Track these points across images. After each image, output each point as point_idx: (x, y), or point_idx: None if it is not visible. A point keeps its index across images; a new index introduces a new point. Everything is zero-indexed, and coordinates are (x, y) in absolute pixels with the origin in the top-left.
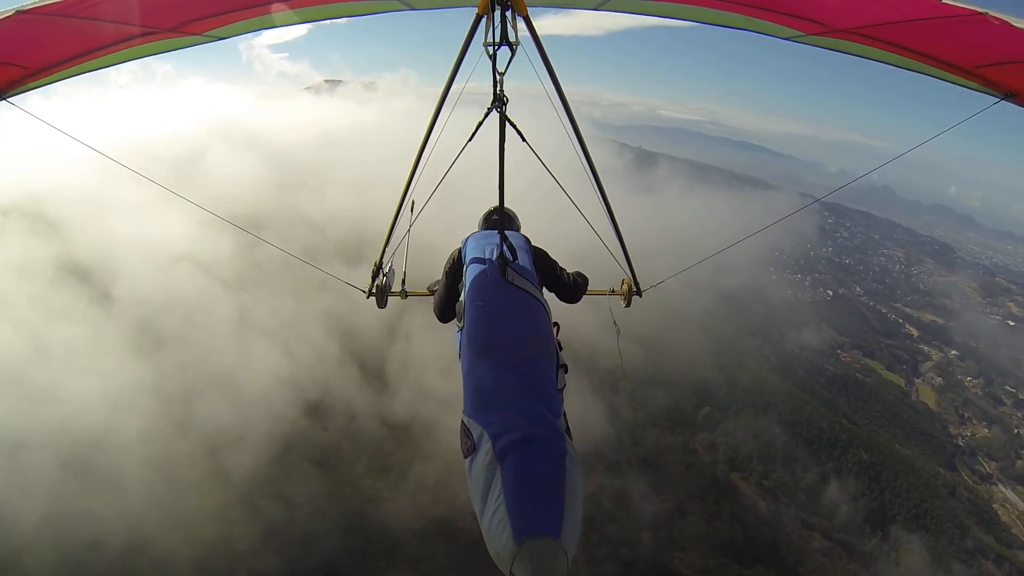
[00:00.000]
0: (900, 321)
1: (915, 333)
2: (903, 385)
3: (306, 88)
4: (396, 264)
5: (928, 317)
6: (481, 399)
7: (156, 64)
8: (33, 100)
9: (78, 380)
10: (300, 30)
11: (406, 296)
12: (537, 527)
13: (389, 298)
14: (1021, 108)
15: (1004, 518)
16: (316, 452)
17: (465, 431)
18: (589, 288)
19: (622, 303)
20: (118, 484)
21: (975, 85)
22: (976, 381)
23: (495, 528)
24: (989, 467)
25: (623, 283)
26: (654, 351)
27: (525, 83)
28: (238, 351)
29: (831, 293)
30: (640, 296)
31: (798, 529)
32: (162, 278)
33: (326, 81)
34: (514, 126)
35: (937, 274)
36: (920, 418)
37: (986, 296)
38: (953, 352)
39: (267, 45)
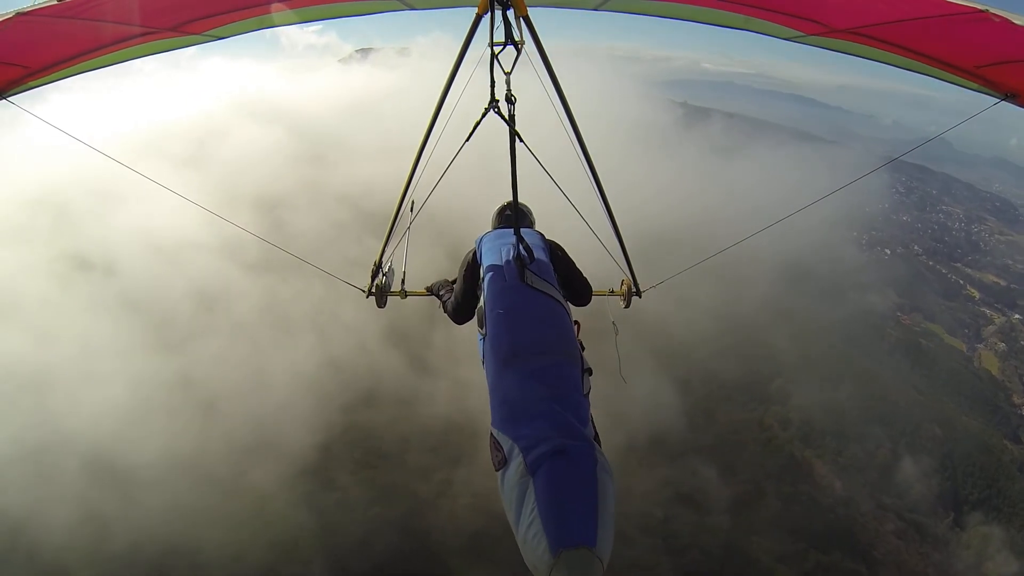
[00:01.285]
0: (961, 282)
1: (976, 295)
2: (964, 350)
3: (339, 60)
4: (396, 264)
5: (990, 278)
6: (510, 411)
7: None
8: (52, 90)
9: (102, 381)
10: None
11: (405, 296)
12: (572, 538)
13: (389, 298)
14: (1021, 108)
15: None
16: (364, 448)
17: (495, 444)
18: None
19: (621, 303)
20: (150, 488)
21: (975, 85)
22: None
23: (531, 540)
24: None
25: (622, 284)
26: (722, 320)
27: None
28: (270, 341)
29: (888, 252)
30: (639, 297)
31: (872, 510)
32: (182, 268)
33: (357, 51)
34: (519, 136)
35: (999, 232)
36: (984, 386)
37: None
38: (1016, 316)
39: None
